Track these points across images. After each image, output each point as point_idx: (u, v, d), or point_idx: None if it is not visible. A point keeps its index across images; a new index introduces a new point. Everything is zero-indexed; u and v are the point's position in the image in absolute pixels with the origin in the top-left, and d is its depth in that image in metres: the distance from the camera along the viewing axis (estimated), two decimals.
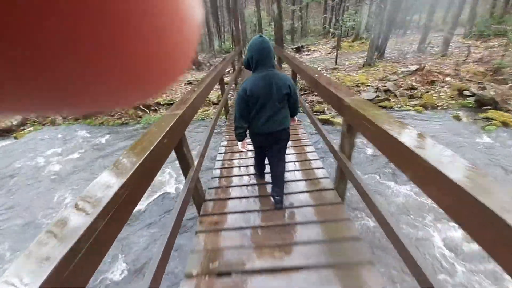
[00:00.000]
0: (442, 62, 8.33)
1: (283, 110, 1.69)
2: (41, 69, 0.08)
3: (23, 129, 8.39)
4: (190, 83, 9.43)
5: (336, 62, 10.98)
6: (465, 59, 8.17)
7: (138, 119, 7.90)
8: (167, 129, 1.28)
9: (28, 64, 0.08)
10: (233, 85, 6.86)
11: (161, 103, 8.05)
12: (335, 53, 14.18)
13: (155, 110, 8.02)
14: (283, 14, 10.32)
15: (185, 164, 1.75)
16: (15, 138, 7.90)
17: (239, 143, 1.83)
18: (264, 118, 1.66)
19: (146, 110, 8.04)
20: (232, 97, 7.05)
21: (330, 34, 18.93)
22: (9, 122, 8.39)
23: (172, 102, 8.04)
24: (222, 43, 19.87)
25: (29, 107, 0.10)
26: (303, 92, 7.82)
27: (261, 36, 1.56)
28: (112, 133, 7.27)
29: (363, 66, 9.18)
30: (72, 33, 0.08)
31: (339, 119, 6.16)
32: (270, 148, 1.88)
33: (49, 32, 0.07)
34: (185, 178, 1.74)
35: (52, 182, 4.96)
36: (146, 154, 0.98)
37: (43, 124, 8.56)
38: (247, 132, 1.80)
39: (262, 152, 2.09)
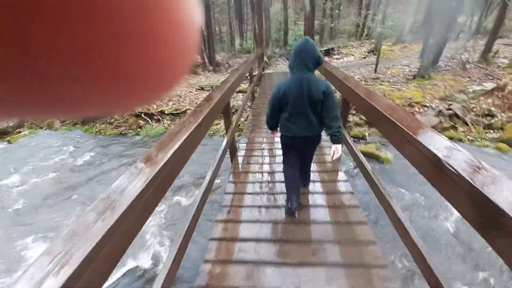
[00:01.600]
0: None
1: (316, 116, 1.64)
2: (33, 70, 0.08)
3: (19, 132, 7.66)
4: (202, 88, 8.18)
5: (375, 69, 9.17)
6: None
7: (138, 129, 6.80)
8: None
9: (20, 64, 0.08)
10: (249, 101, 5.47)
11: (166, 112, 6.88)
12: (373, 59, 12.32)
13: (158, 121, 6.86)
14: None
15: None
16: (9, 142, 7.17)
17: (270, 130, 1.92)
18: (296, 122, 1.67)
19: (148, 119, 6.91)
20: (249, 110, 5.68)
21: (365, 35, 16.85)
22: (6, 124, 7.71)
23: (178, 111, 6.85)
24: (244, 42, 18.57)
25: (18, 111, 0.09)
26: None
27: (306, 38, 1.56)
28: (105, 145, 6.22)
29: (414, 78, 7.35)
30: (65, 33, 0.07)
31: (387, 153, 4.55)
32: (300, 152, 1.87)
33: (46, 31, 0.07)
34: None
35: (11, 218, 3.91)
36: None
37: (41, 127, 7.79)
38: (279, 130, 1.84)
39: (294, 157, 1.90)
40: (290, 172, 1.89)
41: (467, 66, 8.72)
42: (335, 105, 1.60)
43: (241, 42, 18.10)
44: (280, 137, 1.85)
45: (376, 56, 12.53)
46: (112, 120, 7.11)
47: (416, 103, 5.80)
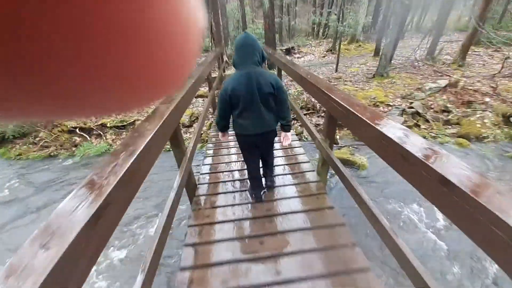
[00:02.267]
0: (469, 75, 6.83)
1: (269, 111, 1.62)
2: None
3: None
4: None
5: (336, 69, 9.21)
6: (495, 73, 6.73)
7: (73, 148, 5.50)
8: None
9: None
10: (211, 107, 4.80)
11: (108, 125, 5.69)
12: (332, 57, 12.56)
13: (99, 136, 5.65)
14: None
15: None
16: None
17: (220, 133, 1.83)
18: (248, 119, 1.61)
19: (85, 136, 5.64)
20: (212, 117, 4.98)
21: (322, 34, 17.28)
22: None
23: (124, 123, 5.73)
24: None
25: (19, 112, 0.09)
26: (305, 112, 5.90)
27: (246, 32, 1.52)
28: (29, 172, 4.84)
29: (374, 77, 7.47)
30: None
31: (362, 158, 4.32)
32: (258, 148, 1.84)
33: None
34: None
35: None
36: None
37: None
38: (232, 131, 1.76)
39: (253, 155, 1.90)
40: (251, 167, 1.95)
41: (416, 64, 9.34)
42: (285, 96, 1.61)
43: None
44: (235, 136, 1.79)
45: (335, 55, 12.84)
46: (37, 139, 5.64)
47: (381, 102, 5.78)
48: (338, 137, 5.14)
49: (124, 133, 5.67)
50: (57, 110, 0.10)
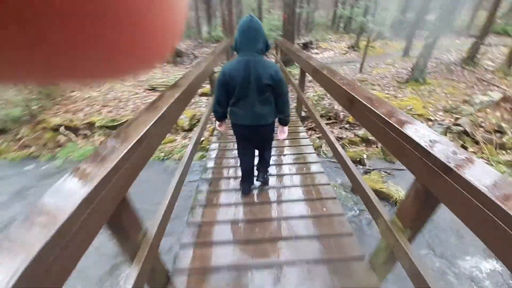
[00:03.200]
0: None
1: (266, 103, 1.51)
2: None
3: None
4: (153, 89, 6.29)
5: (361, 69, 8.14)
6: None
7: (57, 149, 4.82)
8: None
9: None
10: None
11: (96, 124, 4.96)
12: (354, 55, 11.38)
13: (85, 136, 4.94)
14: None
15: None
16: None
17: (217, 122, 1.74)
18: (243, 109, 1.52)
19: (72, 134, 4.94)
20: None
21: (343, 29, 15.95)
22: None
23: (115, 123, 4.99)
24: (213, 30, 16.47)
25: (15, 75, 0.09)
26: (326, 121, 4.99)
27: (251, 15, 1.39)
28: (3, 176, 4.20)
29: (407, 81, 6.41)
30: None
31: (398, 189, 3.44)
32: (253, 140, 1.76)
33: None
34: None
35: None
36: None
37: None
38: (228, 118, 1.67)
39: (247, 149, 1.82)
40: (243, 159, 1.87)
41: (453, 68, 8.15)
42: (286, 90, 1.52)
43: (209, 30, 15.98)
44: (231, 125, 1.67)
45: (357, 53, 11.66)
46: (19, 136, 4.99)
47: (419, 115, 4.79)
48: (365, 156, 4.24)
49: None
50: (48, 70, 0.10)
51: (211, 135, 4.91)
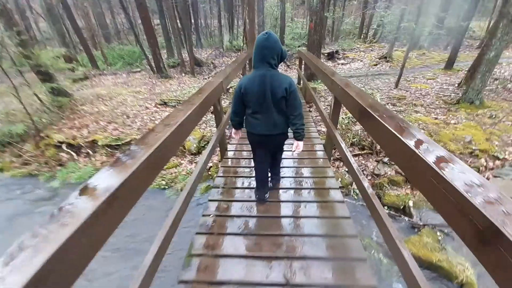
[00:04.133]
0: None
1: (280, 114, 1.60)
2: None
3: None
4: (164, 103, 5.84)
5: (397, 84, 7.12)
6: None
7: (58, 168, 4.48)
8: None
9: None
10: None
11: (100, 142, 4.55)
12: (386, 66, 10.26)
13: (87, 155, 4.54)
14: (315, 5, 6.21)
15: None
16: None
17: (233, 130, 1.85)
18: (259, 119, 1.62)
19: (72, 153, 4.58)
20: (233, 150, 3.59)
21: (370, 37, 14.82)
22: None
23: (120, 142, 4.55)
24: (235, 39, 16.19)
25: None
26: (355, 152, 4.13)
27: (268, 33, 1.48)
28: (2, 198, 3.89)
29: (458, 103, 5.32)
30: None
31: (467, 267, 2.50)
32: (267, 148, 1.83)
33: None
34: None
35: None
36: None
37: None
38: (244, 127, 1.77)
39: (262, 157, 1.86)
40: (259, 168, 1.92)
41: (509, 86, 6.83)
42: (298, 102, 1.57)
43: (230, 39, 15.71)
44: (247, 133, 1.75)
45: (390, 64, 10.52)
46: (23, 151, 4.74)
47: (482, 151, 3.75)
48: (411, 203, 3.31)
49: (118, 154, 4.51)
50: None
51: (220, 160, 4.28)
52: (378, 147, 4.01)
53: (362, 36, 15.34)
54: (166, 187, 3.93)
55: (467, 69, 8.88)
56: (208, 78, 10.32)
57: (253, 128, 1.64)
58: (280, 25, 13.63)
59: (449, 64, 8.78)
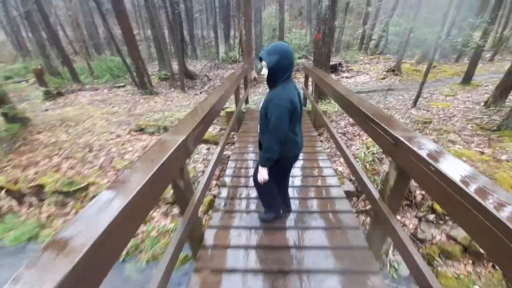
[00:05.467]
0: None
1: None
2: None
3: None
4: (141, 130, 4.79)
5: (415, 103, 6.21)
6: None
7: None
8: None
9: None
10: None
11: (47, 189, 3.45)
12: (394, 80, 9.42)
13: (31, 205, 3.43)
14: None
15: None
16: None
17: (264, 170, 1.48)
18: (298, 134, 1.51)
19: (13, 201, 3.46)
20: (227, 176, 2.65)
21: (373, 48, 14.15)
22: None
23: (75, 187, 3.46)
24: (231, 50, 15.44)
25: None
26: None
27: (286, 42, 1.40)
28: None
29: (499, 129, 4.37)
30: None
31: None
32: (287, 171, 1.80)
33: None
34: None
35: None
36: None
37: None
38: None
39: (282, 178, 1.80)
40: (275, 191, 1.77)
41: None
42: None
43: (226, 50, 14.95)
44: (280, 159, 1.47)
45: (399, 78, 9.66)
46: None
47: None
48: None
49: (71, 203, 3.39)
50: None
51: (206, 212, 3.22)
52: (420, 197, 2.98)
53: (363, 47, 14.68)
54: (126, 257, 2.83)
55: (485, 84, 8.11)
56: (200, 93, 9.35)
57: (290, 150, 1.50)
58: (278, 36, 12.91)
59: (467, 79, 7.94)
